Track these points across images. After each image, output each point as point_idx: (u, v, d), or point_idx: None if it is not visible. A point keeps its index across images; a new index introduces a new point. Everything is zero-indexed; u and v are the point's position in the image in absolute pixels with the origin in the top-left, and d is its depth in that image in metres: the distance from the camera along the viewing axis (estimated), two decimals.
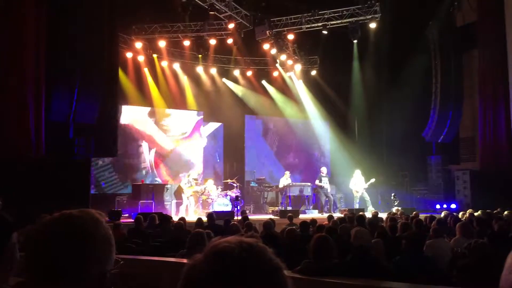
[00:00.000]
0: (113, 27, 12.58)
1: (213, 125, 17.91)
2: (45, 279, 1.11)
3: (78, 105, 11.24)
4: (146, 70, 16.28)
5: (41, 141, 10.56)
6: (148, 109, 16.40)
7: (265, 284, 0.86)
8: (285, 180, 15.08)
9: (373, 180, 14.58)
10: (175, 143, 16.84)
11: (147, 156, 16.25)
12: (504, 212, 9.48)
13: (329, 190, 15.03)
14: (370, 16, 15.11)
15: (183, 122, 17.16)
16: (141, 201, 13.09)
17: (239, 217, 10.85)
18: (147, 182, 15.19)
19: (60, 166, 10.46)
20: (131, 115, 15.98)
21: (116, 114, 12.97)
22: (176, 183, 15.42)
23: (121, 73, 14.55)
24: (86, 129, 11.61)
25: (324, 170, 15.30)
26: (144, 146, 16.25)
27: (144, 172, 16.04)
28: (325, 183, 14.87)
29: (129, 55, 15.59)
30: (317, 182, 15.02)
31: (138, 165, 16.04)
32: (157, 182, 15.36)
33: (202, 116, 17.44)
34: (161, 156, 16.53)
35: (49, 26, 10.88)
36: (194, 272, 0.88)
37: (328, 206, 14.70)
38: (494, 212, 9.81)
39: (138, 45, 15.52)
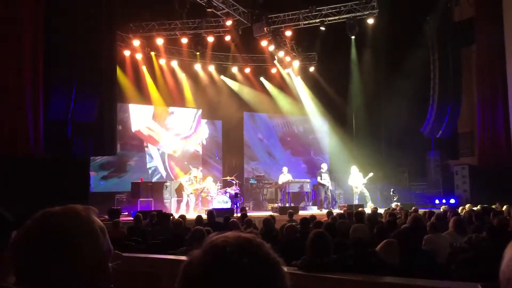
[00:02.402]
0: (110, 25, 12.54)
1: (212, 123, 17.92)
2: (29, 279, 1.12)
3: (76, 104, 11.22)
4: (144, 68, 16.25)
5: (40, 140, 10.53)
6: (152, 107, 16.52)
7: (263, 278, 0.86)
8: (284, 176, 15.09)
9: (371, 174, 14.58)
10: (182, 142, 16.96)
11: (155, 155, 16.32)
12: (502, 207, 9.52)
13: (330, 187, 15.03)
14: (368, 12, 15.10)
15: (187, 120, 17.25)
16: (140, 199, 13.09)
17: (239, 214, 10.86)
18: (154, 181, 15.33)
19: (58, 164, 10.45)
20: (137, 114, 16.13)
21: (114, 112, 12.96)
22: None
23: (119, 71, 14.52)
24: (84, 127, 11.59)
25: (324, 166, 15.32)
26: (152, 149, 16.32)
27: (150, 171, 16.11)
28: (325, 179, 14.87)
29: (127, 53, 15.55)
30: (318, 179, 15.04)
31: (143, 165, 16.12)
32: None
33: (200, 114, 17.49)
34: (171, 156, 16.65)
35: (47, 24, 10.85)
36: (192, 268, 0.88)
37: (327, 202, 14.71)
38: (493, 206, 9.84)
39: (136, 43, 15.48)
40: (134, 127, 16.05)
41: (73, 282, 1.12)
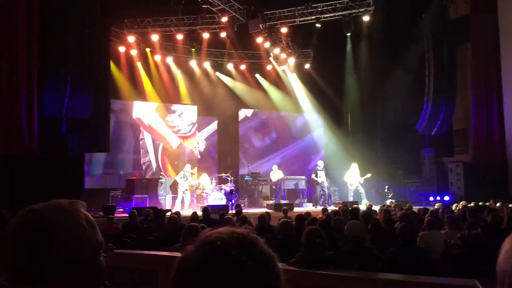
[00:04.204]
0: (105, 21, 12.47)
1: (207, 119, 17.89)
2: (17, 277, 1.12)
3: (71, 101, 11.17)
4: (139, 64, 16.19)
5: (34, 137, 10.49)
6: (155, 104, 16.49)
7: (257, 273, 0.86)
8: (274, 174, 15.07)
9: (368, 175, 14.59)
10: (178, 139, 16.94)
11: (150, 151, 16.28)
12: (496, 204, 9.57)
13: (326, 184, 14.99)
14: (363, 9, 15.10)
15: (187, 118, 17.22)
16: (135, 196, 13.06)
17: (234, 211, 10.85)
18: (147, 177, 15.27)
19: (53, 161, 10.41)
20: (137, 111, 16.15)
21: (108, 109, 12.92)
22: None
23: (114, 68, 14.47)
24: (79, 124, 11.55)
25: (320, 163, 15.22)
26: (148, 141, 16.26)
27: (144, 167, 16.07)
28: (321, 177, 14.81)
29: (121, 49, 15.49)
30: (313, 176, 14.97)
31: (138, 161, 16.08)
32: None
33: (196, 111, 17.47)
34: (168, 153, 16.63)
35: (41, 21, 10.78)
36: (186, 263, 0.87)
37: (322, 199, 14.71)
38: (487, 203, 9.88)
39: (131, 39, 15.42)
40: (135, 115, 16.05)
41: (61, 278, 1.11)
